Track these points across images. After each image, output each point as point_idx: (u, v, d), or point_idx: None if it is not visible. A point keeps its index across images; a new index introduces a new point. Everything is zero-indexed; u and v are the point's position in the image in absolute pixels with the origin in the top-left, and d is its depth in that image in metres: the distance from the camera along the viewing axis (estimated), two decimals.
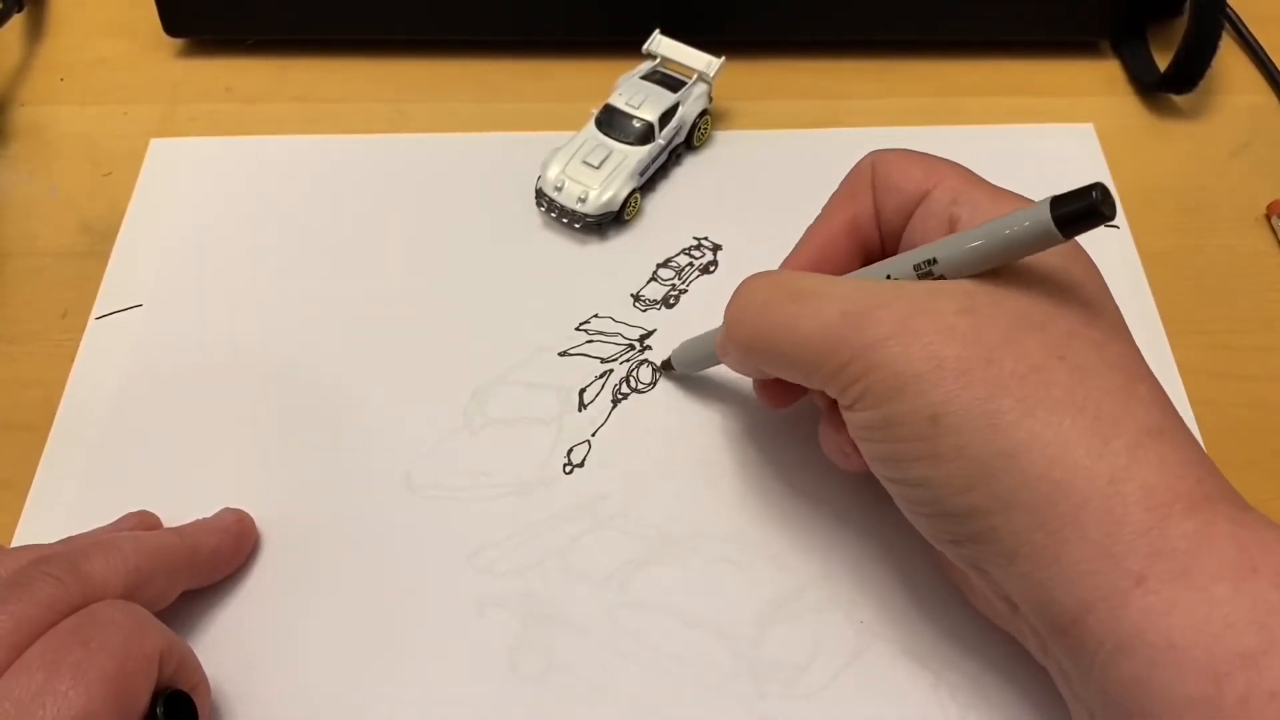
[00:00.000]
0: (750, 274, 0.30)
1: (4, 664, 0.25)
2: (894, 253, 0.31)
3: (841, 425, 0.29)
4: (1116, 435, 0.24)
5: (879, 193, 0.30)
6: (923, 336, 0.25)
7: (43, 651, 0.25)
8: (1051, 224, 0.24)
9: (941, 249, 0.27)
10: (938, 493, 0.26)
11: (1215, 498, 0.24)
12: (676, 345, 0.37)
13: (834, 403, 0.28)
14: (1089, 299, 0.27)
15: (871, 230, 0.31)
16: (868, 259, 0.32)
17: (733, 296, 0.30)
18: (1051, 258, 0.26)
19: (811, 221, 0.32)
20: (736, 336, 0.30)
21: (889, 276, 0.28)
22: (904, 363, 0.25)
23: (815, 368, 0.27)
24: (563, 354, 0.39)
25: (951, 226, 0.28)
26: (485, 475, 0.36)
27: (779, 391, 0.33)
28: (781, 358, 0.29)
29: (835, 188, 0.32)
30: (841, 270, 0.31)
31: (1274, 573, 0.23)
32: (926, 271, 0.27)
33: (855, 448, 0.29)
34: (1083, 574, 0.24)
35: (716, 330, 0.33)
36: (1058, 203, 0.24)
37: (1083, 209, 0.23)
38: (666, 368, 0.38)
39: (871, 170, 0.31)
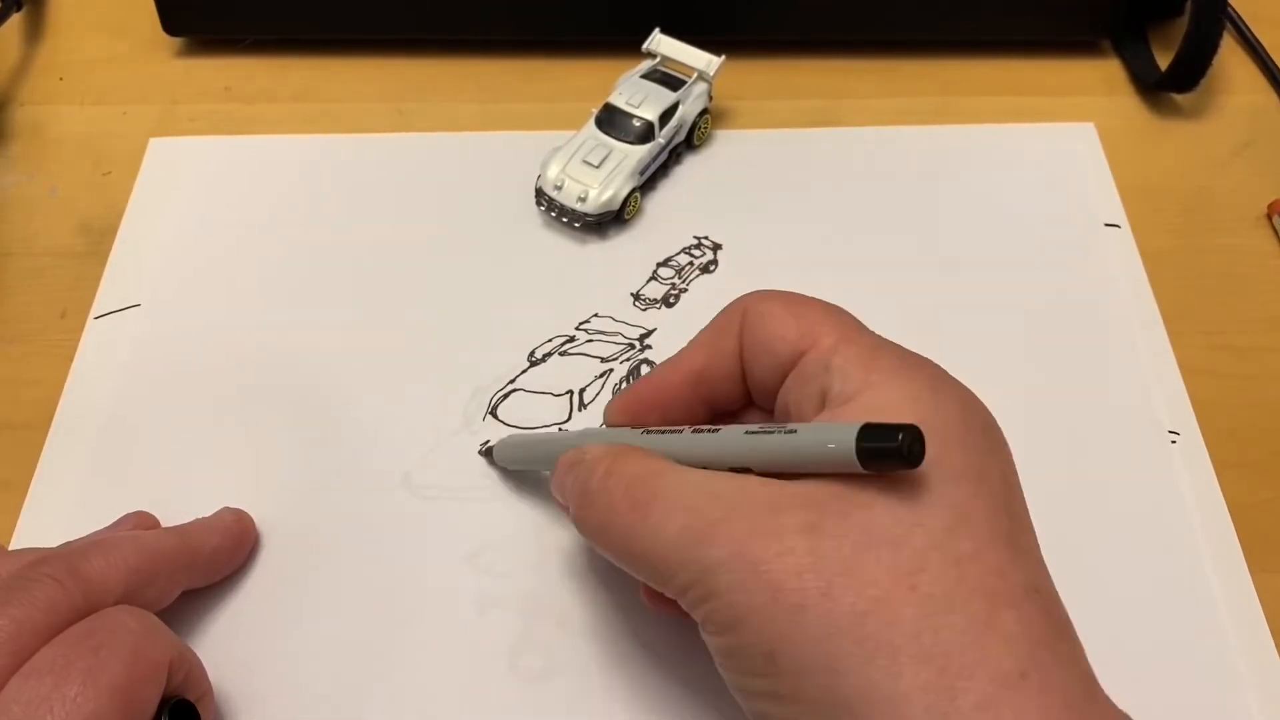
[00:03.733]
0: (603, 450, 0.27)
1: (7, 668, 0.24)
2: (768, 408, 0.28)
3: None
4: (965, 690, 0.21)
5: (749, 346, 0.28)
6: (759, 564, 0.23)
7: (52, 656, 0.25)
8: (855, 457, 0.22)
9: (755, 458, 0.25)
10: None
11: None
12: (505, 437, 0.35)
13: None
14: (962, 496, 0.23)
15: (727, 382, 0.29)
16: (712, 410, 0.29)
17: (582, 471, 0.27)
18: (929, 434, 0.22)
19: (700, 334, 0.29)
20: (584, 525, 0.27)
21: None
22: (740, 593, 0.23)
23: (661, 583, 0.25)
24: (563, 354, 0.39)
25: (822, 400, 0.25)
26: (485, 475, 0.36)
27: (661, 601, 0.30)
28: (629, 564, 0.26)
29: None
30: (678, 417, 0.29)
31: None
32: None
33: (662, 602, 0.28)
34: None
35: (555, 440, 0.32)
36: (866, 434, 0.22)
37: (887, 450, 0.21)
38: (487, 455, 0.36)
39: (742, 318, 0.28)
